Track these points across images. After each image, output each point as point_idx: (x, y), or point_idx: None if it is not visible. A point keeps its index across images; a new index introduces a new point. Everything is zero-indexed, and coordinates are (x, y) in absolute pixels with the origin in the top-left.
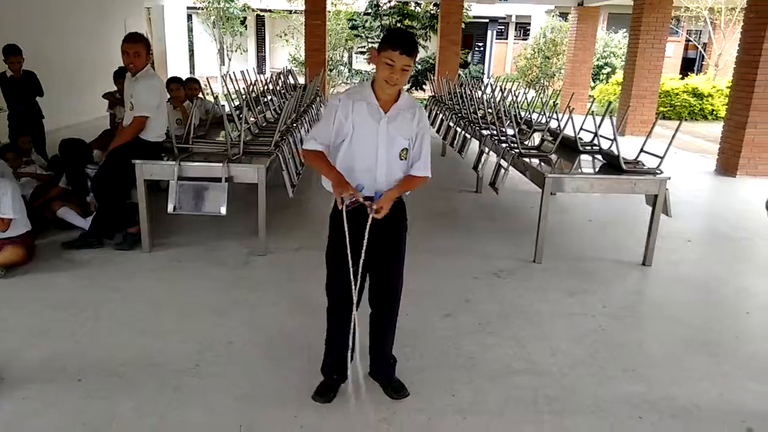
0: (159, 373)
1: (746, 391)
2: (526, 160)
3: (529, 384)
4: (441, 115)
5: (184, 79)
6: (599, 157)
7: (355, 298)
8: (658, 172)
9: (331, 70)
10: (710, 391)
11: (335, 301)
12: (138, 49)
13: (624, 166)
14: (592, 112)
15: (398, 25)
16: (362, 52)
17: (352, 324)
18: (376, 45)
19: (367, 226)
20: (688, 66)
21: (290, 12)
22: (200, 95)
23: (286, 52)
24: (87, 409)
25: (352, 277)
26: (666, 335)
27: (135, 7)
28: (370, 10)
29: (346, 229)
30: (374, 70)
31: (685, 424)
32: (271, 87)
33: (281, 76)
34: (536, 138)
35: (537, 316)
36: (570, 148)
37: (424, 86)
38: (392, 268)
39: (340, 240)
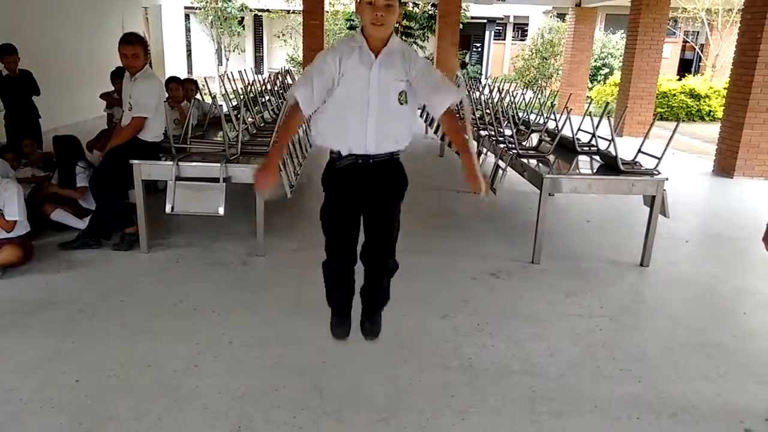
0: (157, 373)
1: (744, 392)
2: (524, 160)
3: (527, 384)
4: None
5: (182, 79)
6: (597, 157)
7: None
8: (656, 172)
9: None
10: (708, 392)
11: (332, 256)
12: (136, 51)
13: (622, 167)
14: (590, 112)
15: (396, 25)
16: None
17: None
18: None
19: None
20: (685, 67)
21: (288, 12)
22: (197, 96)
23: (283, 53)
24: (84, 410)
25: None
26: (664, 335)
27: (132, 7)
28: None
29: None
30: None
31: (683, 424)
32: (269, 87)
33: (279, 77)
34: (534, 139)
35: (535, 317)
36: (568, 149)
37: None
38: (388, 222)
39: (335, 196)
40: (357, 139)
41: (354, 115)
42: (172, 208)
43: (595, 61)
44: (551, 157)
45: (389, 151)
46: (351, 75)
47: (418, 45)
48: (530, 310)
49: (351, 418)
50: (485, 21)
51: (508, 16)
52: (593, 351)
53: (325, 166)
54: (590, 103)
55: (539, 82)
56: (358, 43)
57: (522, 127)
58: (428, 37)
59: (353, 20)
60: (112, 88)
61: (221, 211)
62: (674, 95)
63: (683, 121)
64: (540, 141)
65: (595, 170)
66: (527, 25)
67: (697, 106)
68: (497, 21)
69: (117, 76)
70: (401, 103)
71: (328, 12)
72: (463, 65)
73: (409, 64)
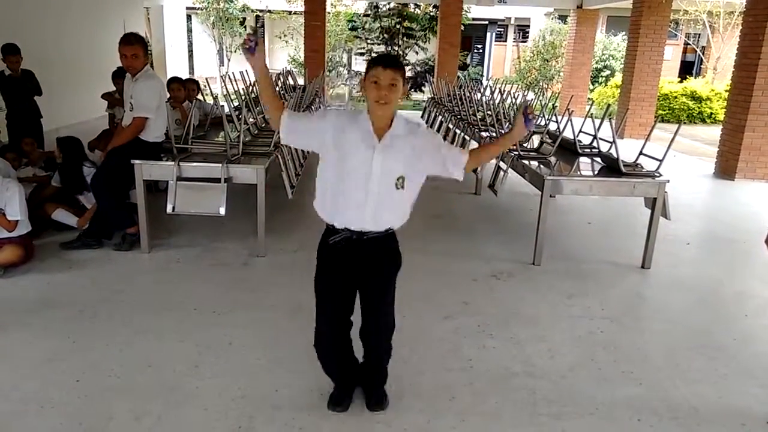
0: (157, 373)
1: (745, 394)
2: (526, 162)
3: (527, 386)
4: (440, 117)
5: (184, 79)
6: (598, 159)
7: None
8: (657, 174)
9: (330, 71)
10: (709, 394)
11: (323, 330)
12: (135, 51)
13: (623, 169)
14: (591, 114)
15: (398, 26)
16: (362, 54)
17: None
18: (374, 46)
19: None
20: (686, 69)
21: (290, 13)
22: (199, 96)
23: (285, 53)
24: (84, 409)
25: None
26: (665, 338)
27: (134, 7)
28: (369, 12)
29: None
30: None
31: (684, 426)
32: None
33: (281, 77)
34: (535, 140)
35: (536, 319)
36: (569, 151)
37: (423, 88)
38: (380, 304)
39: (327, 269)
40: (354, 216)
41: (353, 194)
42: (173, 208)
43: (596, 63)
44: (552, 159)
45: (384, 228)
46: (352, 153)
47: (419, 46)
48: (531, 312)
49: (351, 419)
50: (487, 22)
51: (510, 18)
52: (594, 353)
53: (321, 237)
54: (591, 105)
55: (540, 83)
56: (363, 123)
57: None
58: (429, 38)
59: (354, 21)
60: (114, 88)
61: (222, 211)
62: (675, 97)
63: (684, 123)
64: (541, 143)
65: (596, 172)
66: (529, 26)
67: (699, 108)
68: (499, 23)
69: (118, 76)
70: (397, 188)
71: (329, 13)
72: (465, 66)
73: (415, 147)
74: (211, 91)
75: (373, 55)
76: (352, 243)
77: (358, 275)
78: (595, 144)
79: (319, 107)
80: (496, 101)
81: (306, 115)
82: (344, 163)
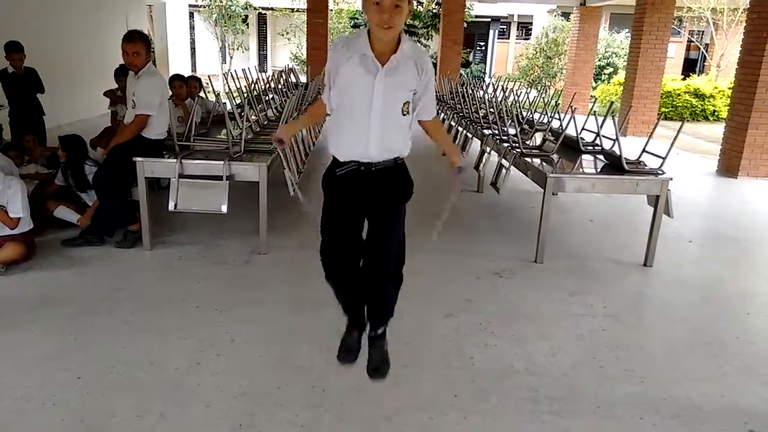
0: (159, 371)
1: (748, 393)
2: (528, 159)
3: (530, 384)
4: (442, 115)
5: (186, 76)
6: (601, 157)
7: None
8: (660, 172)
9: None
10: (712, 392)
11: (332, 259)
12: (137, 49)
13: (626, 167)
14: (594, 112)
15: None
16: None
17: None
18: None
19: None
20: (690, 67)
21: (292, 10)
22: (201, 94)
23: (287, 51)
24: (86, 407)
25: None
26: (667, 336)
27: (136, 5)
28: None
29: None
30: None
31: (686, 425)
32: (272, 85)
33: (283, 75)
34: (538, 138)
35: (538, 316)
36: (572, 148)
37: None
38: (387, 225)
39: (335, 201)
40: (359, 146)
41: (356, 122)
42: (175, 205)
43: (599, 60)
44: (555, 157)
45: (392, 157)
46: (353, 80)
47: (422, 44)
48: (533, 310)
49: (354, 416)
50: (489, 20)
51: (513, 15)
52: (596, 351)
53: (326, 169)
54: (594, 103)
55: (543, 81)
56: (362, 46)
57: (526, 126)
58: (432, 35)
59: (357, 18)
60: (116, 86)
61: (224, 209)
62: (678, 95)
63: (687, 120)
64: (544, 140)
65: (599, 170)
66: (531, 23)
67: (702, 105)
68: (501, 20)
69: (121, 73)
70: (404, 114)
71: (332, 10)
72: (467, 64)
73: (421, 73)
74: (213, 89)
75: None
76: (360, 174)
77: (367, 205)
78: (597, 141)
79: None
80: (499, 99)
81: (327, 84)
82: (347, 90)
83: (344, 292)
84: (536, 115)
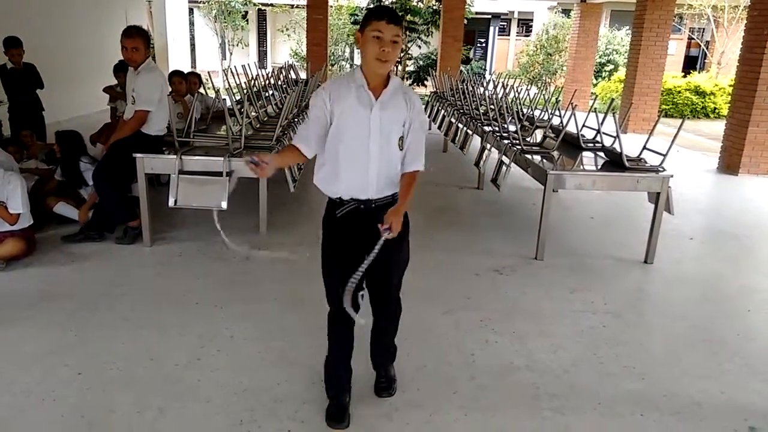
0: (159, 367)
1: (748, 389)
2: (528, 156)
3: (530, 381)
4: (443, 111)
5: (186, 72)
6: (602, 154)
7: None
8: (661, 169)
9: (332, 65)
10: (712, 389)
11: (333, 313)
12: (136, 44)
13: (627, 164)
14: (595, 109)
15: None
16: None
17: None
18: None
19: (378, 245)
20: (690, 64)
21: (292, 6)
22: (201, 90)
23: (287, 47)
24: (86, 402)
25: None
26: (667, 333)
27: (136, 1)
28: (372, 5)
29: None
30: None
31: (687, 422)
32: (272, 81)
33: (282, 71)
34: (538, 135)
35: (538, 313)
36: (572, 145)
37: (425, 82)
38: (392, 279)
39: (333, 245)
40: (358, 185)
41: (355, 160)
42: (175, 201)
43: (599, 57)
44: (555, 154)
45: (391, 193)
46: (349, 117)
47: (422, 40)
48: (534, 307)
49: (354, 412)
50: (490, 16)
51: (513, 12)
52: (597, 348)
53: (325, 210)
54: (595, 100)
55: (543, 78)
56: (357, 82)
57: (526, 123)
58: (432, 32)
59: (357, 15)
60: (116, 82)
61: (224, 205)
62: (679, 92)
63: (688, 118)
64: (544, 137)
65: (599, 167)
66: (532, 20)
67: (702, 103)
68: (502, 16)
69: (120, 69)
70: (400, 149)
71: (332, 6)
72: (467, 61)
73: (409, 107)
74: (213, 85)
75: None
76: (361, 213)
77: (368, 244)
78: (598, 138)
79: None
80: (499, 96)
81: (306, 126)
82: (343, 127)
83: (345, 347)
84: (537, 112)
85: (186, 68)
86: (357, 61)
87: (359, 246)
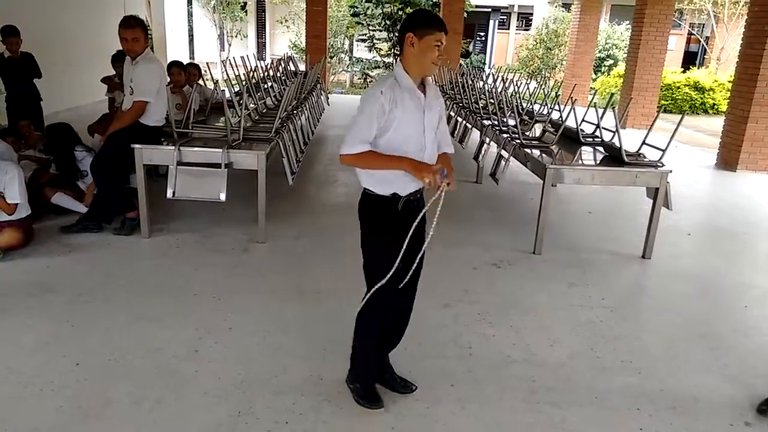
0: (157, 358)
1: (744, 385)
2: (528, 150)
3: (527, 374)
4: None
5: (185, 64)
6: (601, 149)
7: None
8: (660, 165)
9: (331, 57)
10: (708, 384)
11: (388, 301)
12: (136, 35)
13: (626, 159)
14: (594, 104)
15: (400, 13)
16: (363, 40)
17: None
18: (377, 33)
19: (421, 215)
20: (690, 59)
21: None
22: (200, 81)
23: (286, 39)
24: (83, 393)
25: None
26: (664, 328)
27: None
28: None
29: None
30: (392, 56)
31: (682, 416)
32: (271, 73)
33: (282, 63)
34: (537, 129)
35: (536, 307)
36: (571, 140)
37: None
38: (422, 257)
39: (392, 234)
40: (414, 179)
41: (412, 146)
42: (174, 193)
43: (599, 52)
44: (554, 148)
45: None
46: (407, 120)
47: None
48: (531, 301)
49: (351, 404)
50: (489, 10)
51: (513, 6)
52: (593, 342)
53: (372, 208)
54: (594, 95)
55: (543, 72)
56: (405, 84)
57: (525, 118)
58: None
59: (356, 7)
60: (114, 72)
61: (223, 197)
62: (678, 88)
63: (687, 113)
64: (543, 131)
65: (598, 161)
66: (532, 14)
67: (701, 98)
68: (502, 10)
69: (118, 59)
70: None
71: None
72: (467, 54)
73: (441, 102)
74: (211, 76)
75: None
76: (410, 204)
77: (416, 233)
78: (597, 133)
79: (321, 94)
80: (499, 90)
81: (362, 128)
82: (403, 130)
83: (384, 337)
84: (536, 107)
85: (184, 59)
86: (356, 53)
87: (406, 232)
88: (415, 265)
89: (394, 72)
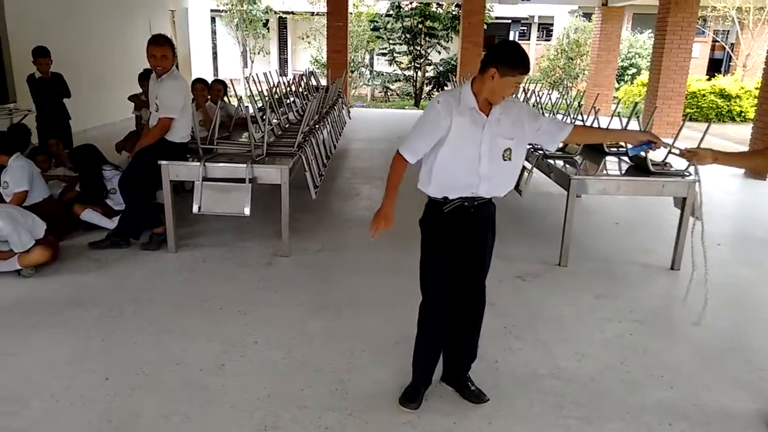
0: (184, 372)
1: None
2: (551, 161)
3: (555, 389)
4: None
5: (209, 81)
6: (625, 158)
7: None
8: (687, 174)
9: (352, 72)
10: (743, 400)
11: (437, 306)
12: (165, 52)
13: (652, 168)
14: (618, 113)
15: (420, 26)
16: (383, 54)
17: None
18: (396, 46)
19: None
20: (715, 67)
21: (312, 14)
22: (225, 98)
23: (308, 54)
24: (113, 407)
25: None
26: (696, 341)
27: (159, 10)
28: (391, 12)
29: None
30: (467, 78)
31: None
32: (293, 89)
33: (303, 78)
34: None
35: (563, 320)
36: (595, 150)
37: (446, 87)
38: (485, 266)
39: (437, 238)
40: (468, 187)
41: (467, 167)
42: (199, 208)
43: (622, 61)
44: (578, 158)
45: (490, 196)
46: (464, 134)
47: (441, 46)
48: (557, 314)
49: (377, 419)
50: (510, 21)
51: (533, 16)
52: (623, 355)
53: (426, 210)
54: (618, 104)
55: (565, 82)
56: (468, 103)
57: None
58: (452, 37)
59: (377, 21)
60: (140, 90)
61: (247, 211)
62: (704, 95)
63: (713, 121)
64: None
65: (623, 171)
66: (552, 24)
67: (728, 106)
68: (522, 21)
69: (145, 77)
70: (504, 160)
71: (352, 13)
72: None
73: (520, 125)
74: (235, 93)
75: (395, 50)
76: (464, 210)
77: (464, 244)
78: (621, 143)
79: (342, 107)
80: (521, 100)
81: (417, 139)
82: (459, 142)
83: (435, 342)
84: (559, 117)
85: (209, 76)
86: (377, 67)
87: (459, 239)
88: (468, 275)
89: (461, 88)
